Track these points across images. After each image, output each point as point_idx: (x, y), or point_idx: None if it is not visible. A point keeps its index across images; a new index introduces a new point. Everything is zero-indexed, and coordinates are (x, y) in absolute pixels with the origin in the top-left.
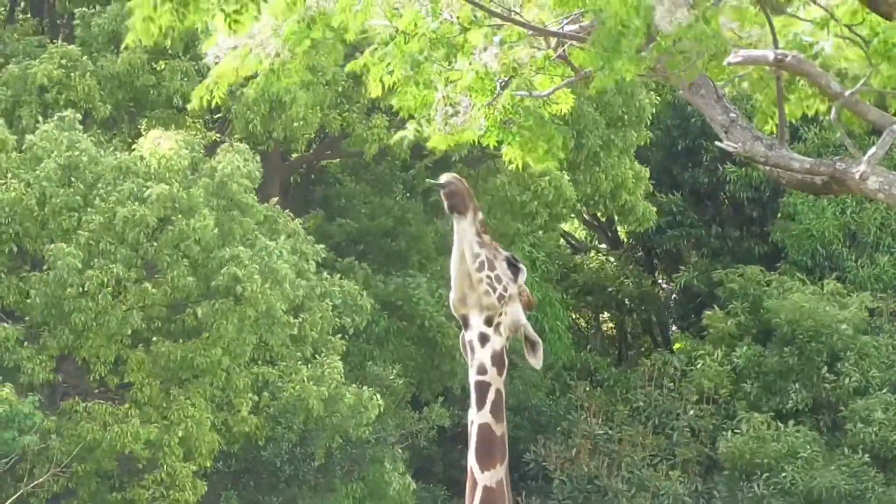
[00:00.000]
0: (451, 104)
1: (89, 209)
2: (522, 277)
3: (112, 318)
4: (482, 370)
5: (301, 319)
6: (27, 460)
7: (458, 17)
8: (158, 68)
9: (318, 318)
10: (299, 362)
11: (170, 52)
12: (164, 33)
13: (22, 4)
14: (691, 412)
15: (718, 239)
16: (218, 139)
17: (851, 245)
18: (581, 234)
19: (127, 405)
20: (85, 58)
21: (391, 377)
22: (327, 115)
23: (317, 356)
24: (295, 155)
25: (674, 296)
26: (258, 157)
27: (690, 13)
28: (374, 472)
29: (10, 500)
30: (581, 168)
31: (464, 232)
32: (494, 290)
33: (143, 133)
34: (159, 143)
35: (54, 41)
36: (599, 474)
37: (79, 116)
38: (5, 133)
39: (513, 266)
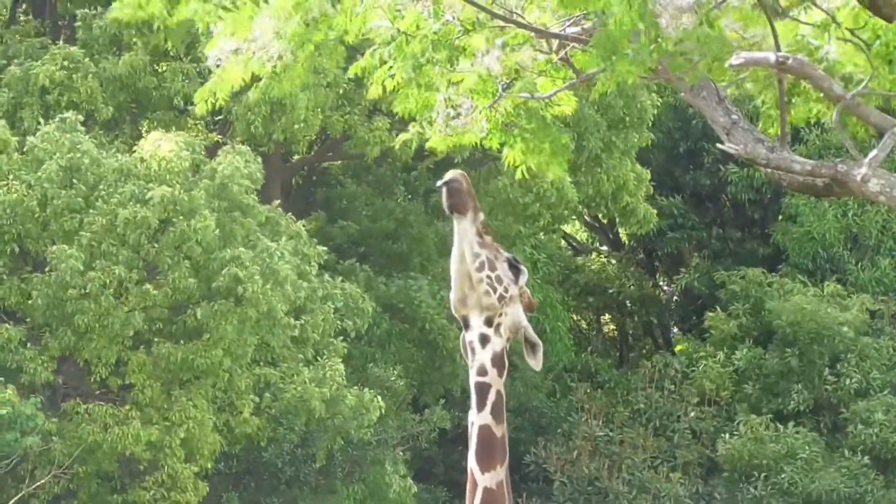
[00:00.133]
0: (452, 106)
1: (91, 211)
2: (523, 279)
3: (115, 319)
4: (482, 371)
5: (303, 321)
6: (28, 462)
7: (460, 19)
8: (160, 70)
9: (319, 321)
10: (301, 364)
11: (171, 54)
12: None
13: (24, 6)
14: (692, 414)
15: (719, 241)
16: (220, 141)
17: (853, 248)
18: (582, 236)
19: (128, 407)
20: (87, 59)
21: (392, 378)
22: (329, 118)
23: (318, 358)
24: (296, 157)
25: (675, 298)
26: (259, 159)
27: (694, 17)
28: (375, 473)
29: (11, 502)
30: (582, 170)
31: (464, 232)
32: (495, 290)
33: (144, 135)
34: (160, 146)
35: (56, 42)
36: (600, 476)
37: (80, 118)
38: (7, 134)
39: (514, 267)
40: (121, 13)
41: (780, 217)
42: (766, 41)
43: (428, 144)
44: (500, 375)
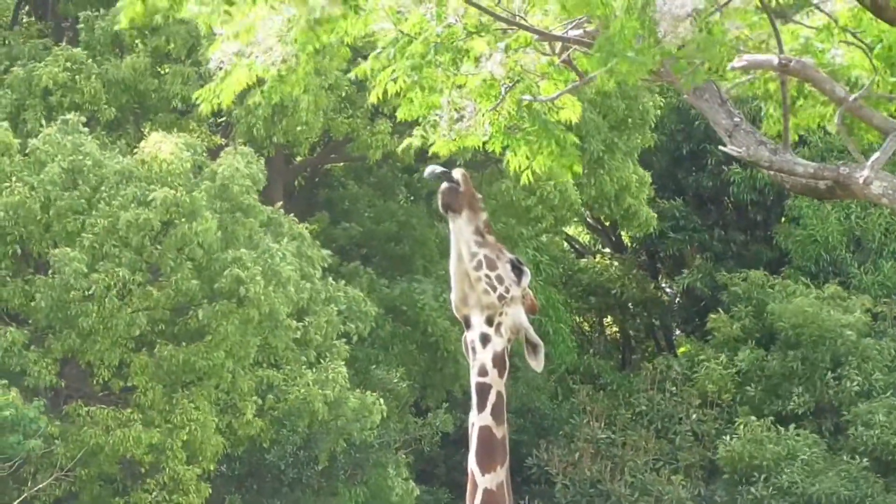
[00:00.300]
0: (456, 109)
1: (93, 212)
2: (526, 280)
3: (118, 321)
4: (483, 372)
5: (306, 323)
6: (31, 464)
7: (463, 22)
8: (162, 71)
9: (322, 322)
10: (304, 366)
11: (172, 56)
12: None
13: (26, 8)
14: (694, 416)
15: (722, 243)
16: (223, 143)
17: (855, 250)
18: (585, 238)
19: (130, 409)
20: (90, 61)
21: (395, 381)
22: (333, 120)
23: (321, 360)
24: (299, 158)
25: (677, 300)
26: (262, 160)
27: (693, 25)
28: (377, 476)
29: None
30: (585, 172)
31: (459, 231)
32: (494, 289)
33: (146, 136)
34: (160, 147)
35: (59, 44)
36: (602, 478)
37: (83, 119)
38: (9, 137)
39: (517, 269)
40: (131, 12)
41: (783, 219)
42: (772, 41)
43: (432, 149)
44: (501, 376)
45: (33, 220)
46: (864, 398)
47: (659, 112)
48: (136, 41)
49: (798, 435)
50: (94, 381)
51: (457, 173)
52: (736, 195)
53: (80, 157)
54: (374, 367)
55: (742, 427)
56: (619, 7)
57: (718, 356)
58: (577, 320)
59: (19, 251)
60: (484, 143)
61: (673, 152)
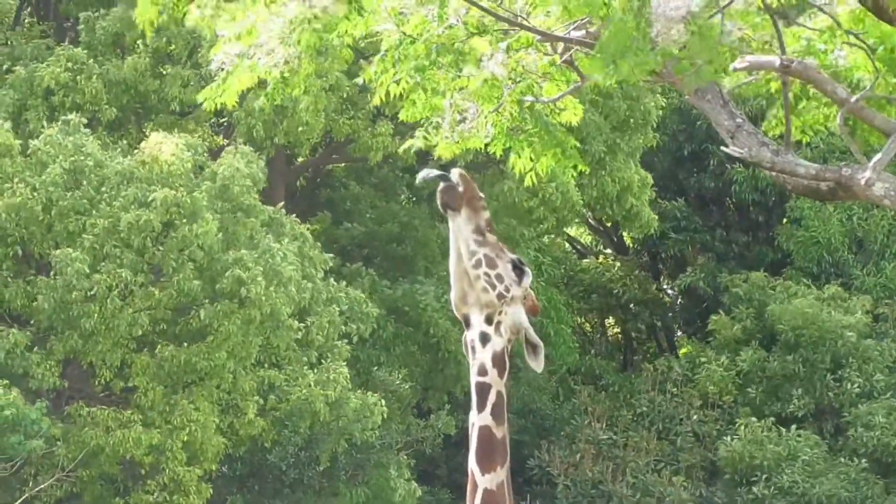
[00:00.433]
0: (458, 111)
1: (94, 213)
2: (527, 280)
3: (120, 321)
4: (483, 371)
5: (308, 323)
6: (32, 465)
7: (465, 23)
8: (164, 71)
9: (324, 323)
10: (305, 367)
11: (174, 57)
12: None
13: (29, 8)
14: (695, 417)
15: (723, 244)
16: (224, 143)
17: (857, 252)
18: (587, 238)
19: (130, 410)
20: (91, 61)
21: (397, 382)
22: (336, 121)
23: (322, 361)
24: (300, 159)
25: (679, 301)
26: (262, 161)
27: (687, 27)
28: (379, 477)
29: None
30: (586, 173)
31: (458, 229)
32: (493, 287)
33: (146, 137)
34: (161, 148)
35: (60, 44)
36: (604, 479)
37: (84, 120)
38: (10, 139)
39: (518, 269)
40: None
41: (785, 221)
42: (774, 43)
43: (436, 152)
44: (501, 376)
45: (35, 221)
46: (865, 399)
47: (661, 112)
48: (138, 42)
49: (799, 436)
50: (96, 382)
51: (454, 173)
52: (738, 195)
53: (82, 158)
54: (375, 368)
55: (743, 428)
56: (617, 7)
57: (719, 357)
58: (579, 321)
59: (20, 252)
60: (486, 145)
61: (674, 153)
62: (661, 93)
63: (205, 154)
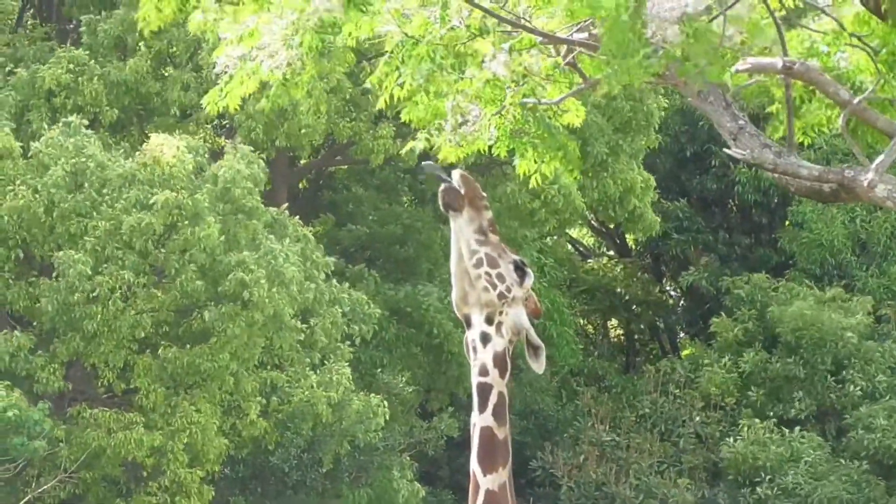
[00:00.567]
0: (461, 113)
1: (96, 215)
2: (529, 282)
3: (122, 323)
4: (484, 372)
5: (311, 324)
6: (34, 466)
7: (467, 25)
8: (166, 73)
9: (327, 324)
10: (308, 368)
11: (175, 59)
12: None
13: (31, 10)
14: (697, 419)
15: (726, 245)
16: (225, 145)
17: (860, 254)
18: (589, 240)
19: (132, 412)
20: (92, 62)
21: (400, 385)
22: (337, 124)
23: (325, 362)
24: (303, 161)
25: (682, 302)
26: (262, 161)
27: (682, 29)
28: (382, 478)
29: None
30: (589, 174)
31: (460, 229)
32: (494, 286)
33: (147, 138)
34: (163, 151)
35: (62, 46)
36: (607, 481)
37: (85, 121)
38: (11, 141)
39: (519, 269)
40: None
41: (788, 223)
42: (775, 49)
43: (440, 156)
44: (502, 376)
45: (37, 223)
46: (868, 401)
47: (663, 114)
48: (139, 44)
49: (802, 437)
50: (99, 384)
51: (455, 175)
52: (741, 195)
53: (83, 160)
54: (379, 370)
55: (746, 429)
56: (612, 8)
57: (721, 359)
58: (582, 322)
59: (23, 254)
60: (489, 148)
61: (677, 154)
62: (663, 94)
63: (205, 155)
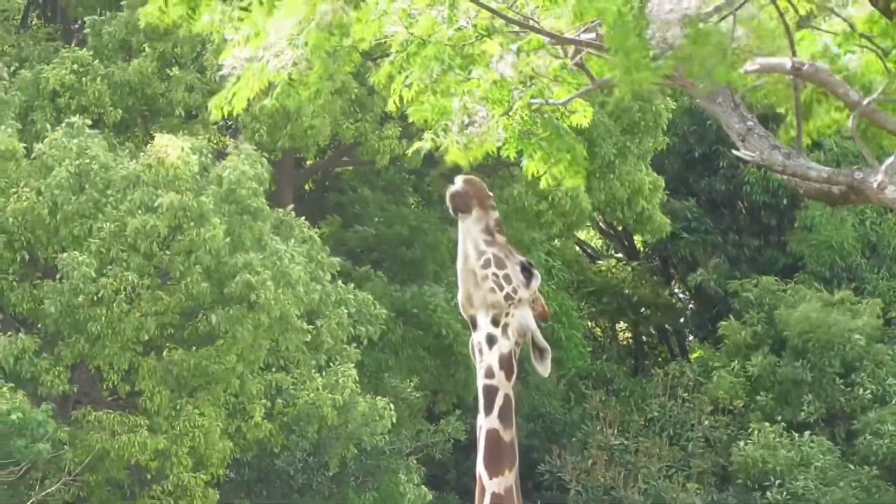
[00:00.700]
0: (468, 114)
1: (100, 216)
2: (536, 283)
3: (127, 325)
4: (490, 374)
5: (317, 325)
6: (38, 469)
7: (475, 25)
8: (171, 74)
9: (334, 325)
10: (313, 370)
11: (179, 60)
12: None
13: (36, 11)
14: (706, 423)
15: (735, 247)
16: (230, 143)
17: (870, 256)
18: (597, 242)
19: (137, 415)
20: (97, 62)
21: (408, 390)
22: (341, 125)
23: (331, 364)
24: (309, 162)
25: (691, 305)
26: (265, 161)
27: (683, 31)
28: (389, 482)
29: None
30: (597, 176)
31: (467, 230)
32: (501, 288)
33: (151, 139)
34: (167, 151)
35: (67, 46)
36: (616, 485)
37: (88, 122)
38: (15, 143)
39: (526, 271)
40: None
41: (797, 225)
42: (783, 53)
43: (448, 158)
44: (508, 378)
45: (41, 225)
46: (878, 404)
47: (671, 115)
48: (144, 45)
49: (812, 442)
50: (104, 386)
51: (459, 180)
52: (749, 197)
53: (87, 161)
54: (386, 374)
55: (756, 433)
56: (614, 10)
57: (730, 363)
58: (590, 325)
59: (27, 256)
60: (498, 150)
61: (685, 155)
62: (671, 95)
63: (208, 156)
